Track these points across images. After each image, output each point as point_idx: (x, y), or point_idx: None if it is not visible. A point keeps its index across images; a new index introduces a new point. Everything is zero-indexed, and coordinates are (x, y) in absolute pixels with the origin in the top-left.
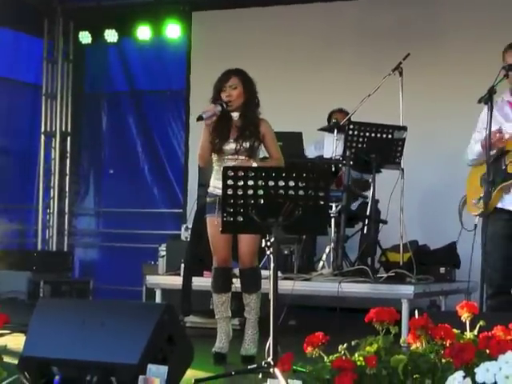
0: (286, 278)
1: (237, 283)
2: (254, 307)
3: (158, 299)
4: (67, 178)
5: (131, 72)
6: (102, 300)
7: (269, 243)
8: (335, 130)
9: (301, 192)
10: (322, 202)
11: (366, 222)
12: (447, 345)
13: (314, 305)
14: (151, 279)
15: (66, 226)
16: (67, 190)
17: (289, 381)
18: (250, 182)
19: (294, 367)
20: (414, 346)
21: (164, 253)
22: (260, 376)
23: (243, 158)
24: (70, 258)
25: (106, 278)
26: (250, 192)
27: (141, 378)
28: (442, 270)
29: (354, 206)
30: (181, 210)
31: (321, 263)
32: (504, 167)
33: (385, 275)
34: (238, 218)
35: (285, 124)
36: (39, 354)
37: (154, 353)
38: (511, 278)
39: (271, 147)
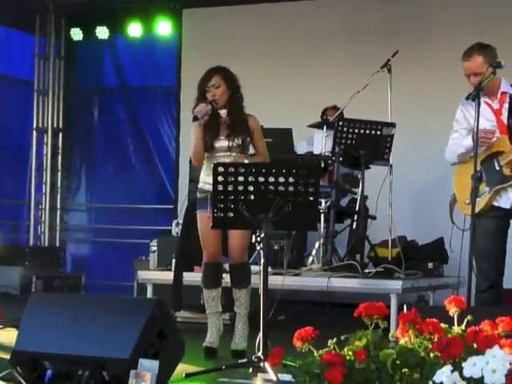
0: (275, 273)
1: (227, 278)
2: (243, 302)
3: (149, 294)
4: (59, 173)
5: (122, 68)
6: (94, 295)
7: (259, 239)
8: (324, 127)
9: (291, 188)
10: (311, 198)
11: (355, 218)
12: (435, 339)
13: (304, 300)
14: (142, 274)
15: (58, 222)
16: (59, 185)
17: (279, 375)
18: (241, 178)
19: (284, 361)
20: (402, 341)
21: (155, 248)
22: (250, 370)
23: (235, 154)
24: (62, 253)
25: (97, 274)
26: (241, 188)
27: (132, 372)
28: (430, 265)
29: (344, 201)
30: (172, 206)
31: (310, 258)
32: (499, 168)
33: (373, 270)
34: (229, 213)
35: (275, 120)
36: (31, 348)
37: (145, 347)
38: (503, 273)
39: (258, 143)
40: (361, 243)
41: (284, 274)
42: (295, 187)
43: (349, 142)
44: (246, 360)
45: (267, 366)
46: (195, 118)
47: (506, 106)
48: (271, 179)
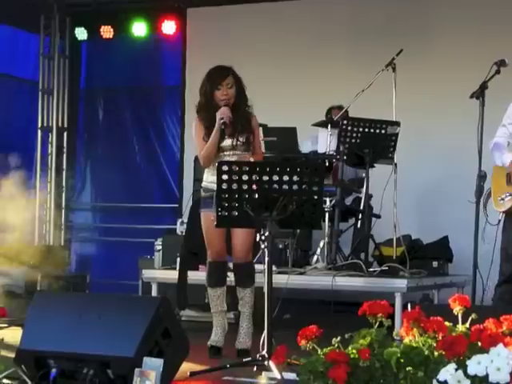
0: (280, 272)
1: (231, 277)
2: (248, 301)
3: (154, 293)
4: (64, 172)
5: (127, 68)
6: (99, 294)
7: (263, 237)
8: (329, 125)
9: (295, 187)
10: (316, 197)
11: (360, 217)
12: (439, 338)
13: (308, 298)
14: (147, 273)
15: (63, 221)
16: (64, 184)
17: (283, 373)
18: (245, 177)
19: (288, 360)
20: (406, 339)
21: (160, 247)
22: (255, 369)
23: (240, 152)
24: (67, 252)
25: (102, 273)
26: (245, 187)
27: (137, 370)
28: (435, 263)
29: (348, 200)
30: (177, 205)
31: (315, 257)
32: None
33: (378, 269)
34: (233, 212)
35: (279, 119)
36: (36, 347)
37: (149, 346)
38: None
39: (257, 143)
40: (365, 242)
41: (289, 273)
42: (299, 186)
43: (353, 140)
44: (250, 358)
45: (272, 364)
46: (225, 124)
47: None
48: (275, 178)
